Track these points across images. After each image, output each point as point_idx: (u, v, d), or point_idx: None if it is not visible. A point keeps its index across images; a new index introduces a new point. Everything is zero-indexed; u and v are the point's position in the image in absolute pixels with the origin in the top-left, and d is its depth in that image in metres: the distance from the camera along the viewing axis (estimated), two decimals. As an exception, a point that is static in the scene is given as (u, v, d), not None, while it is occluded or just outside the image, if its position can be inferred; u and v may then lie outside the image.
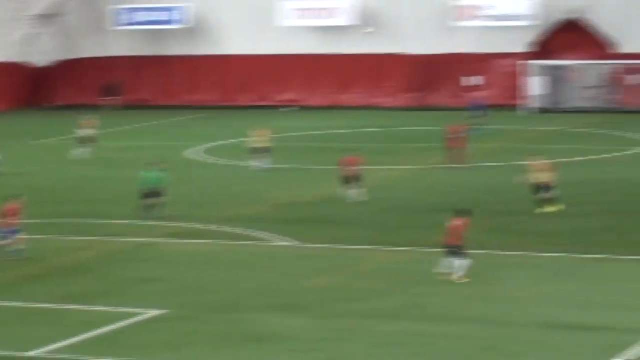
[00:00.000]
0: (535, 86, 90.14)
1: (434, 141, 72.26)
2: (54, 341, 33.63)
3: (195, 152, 73.19)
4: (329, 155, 69.31)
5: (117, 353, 32.57)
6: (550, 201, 51.83)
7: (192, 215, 53.60)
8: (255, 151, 65.60)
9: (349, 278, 41.59)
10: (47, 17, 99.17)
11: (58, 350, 33.20)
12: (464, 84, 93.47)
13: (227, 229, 51.07)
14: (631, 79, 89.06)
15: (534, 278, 40.93)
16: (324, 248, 46.60)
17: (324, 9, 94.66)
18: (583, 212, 52.83)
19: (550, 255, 44.20)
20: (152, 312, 36.92)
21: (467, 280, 39.19)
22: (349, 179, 55.36)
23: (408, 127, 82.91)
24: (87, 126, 73.50)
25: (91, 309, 37.82)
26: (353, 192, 55.16)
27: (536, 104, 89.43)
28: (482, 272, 41.22)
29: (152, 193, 52.76)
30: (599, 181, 57.96)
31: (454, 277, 39.52)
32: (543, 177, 52.40)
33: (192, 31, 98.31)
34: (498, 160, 67.41)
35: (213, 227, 51.55)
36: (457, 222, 40.06)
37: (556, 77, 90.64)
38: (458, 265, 39.45)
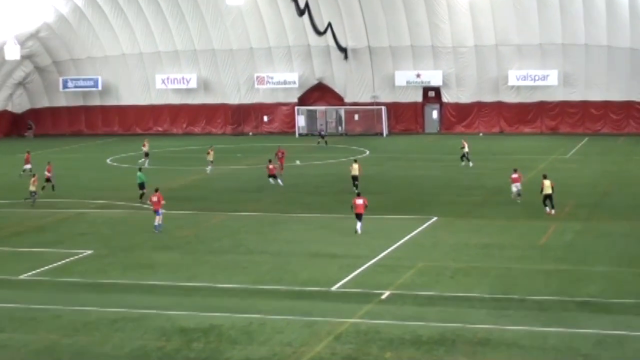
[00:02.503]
0: (301, 121, 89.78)
1: (249, 152, 71.55)
2: (32, 270, 34.29)
3: (111, 160, 70.87)
4: (186, 162, 66.86)
5: (69, 275, 32.90)
6: (357, 187, 50.84)
7: (107, 196, 51.64)
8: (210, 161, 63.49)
9: (201, 230, 42.03)
10: (20, 84, 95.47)
11: (35, 275, 34.22)
12: (265, 120, 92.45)
13: (129, 203, 49.91)
14: (355, 117, 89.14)
15: (303, 229, 41.77)
16: (186, 214, 45.91)
17: (181, 78, 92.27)
18: (327, 192, 52.42)
19: (311, 215, 44.57)
20: (87, 252, 37.50)
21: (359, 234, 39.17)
22: (272, 176, 54.41)
23: (233, 144, 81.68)
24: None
25: (52, 250, 38.15)
26: (275, 181, 54.36)
27: (302, 131, 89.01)
28: (274, 225, 41.12)
29: (142, 185, 50.43)
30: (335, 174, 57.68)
31: (358, 232, 39.14)
32: (355, 172, 52.53)
33: (103, 91, 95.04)
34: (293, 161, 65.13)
35: (120, 202, 50.20)
36: (360, 199, 39.56)
37: (312, 116, 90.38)
38: (360, 225, 39.37)
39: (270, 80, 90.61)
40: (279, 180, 54.34)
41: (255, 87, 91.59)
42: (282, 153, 61.24)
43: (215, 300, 29.24)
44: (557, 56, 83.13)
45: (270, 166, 55.08)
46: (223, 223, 43.41)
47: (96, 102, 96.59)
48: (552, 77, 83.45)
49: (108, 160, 70.71)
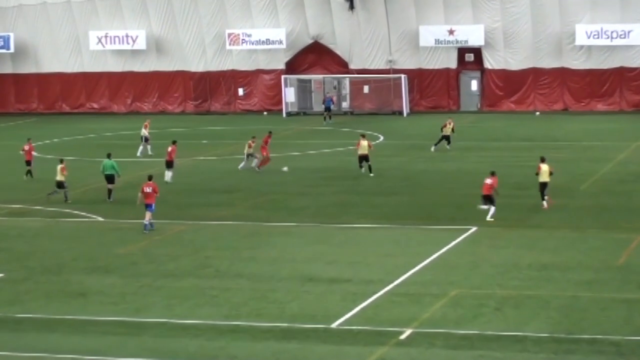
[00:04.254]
0: (290, 95, 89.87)
1: (216, 138, 71.32)
2: None
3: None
4: (132, 151, 67.07)
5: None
6: (370, 168, 55.70)
7: (23, 199, 51.57)
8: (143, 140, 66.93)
9: (151, 245, 42.20)
10: None
11: None
12: (239, 94, 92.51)
13: (54, 208, 49.82)
14: (364, 89, 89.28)
15: (292, 243, 41.91)
16: (129, 223, 45.72)
17: (123, 36, 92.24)
18: (325, 192, 52.86)
19: (303, 225, 45.01)
20: (-5, 276, 36.36)
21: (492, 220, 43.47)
22: (168, 164, 55.94)
23: (195, 128, 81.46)
24: None
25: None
26: (168, 175, 55.96)
27: (291, 108, 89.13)
28: (253, 238, 41.09)
29: (110, 178, 50.88)
30: (335, 168, 57.81)
31: (488, 217, 43.61)
32: (363, 150, 55.71)
33: (17, 54, 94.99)
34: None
35: (41, 207, 50.25)
36: (490, 179, 43.94)
37: (305, 88, 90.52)
38: (492, 209, 43.77)
39: (247, 39, 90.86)
40: (169, 175, 55.55)
41: (226, 49, 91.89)
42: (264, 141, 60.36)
43: (171, 341, 29.16)
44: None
45: (169, 149, 55.27)
46: (182, 235, 43.42)
47: (7, 68, 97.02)
48: (636, 34, 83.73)
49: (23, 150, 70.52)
